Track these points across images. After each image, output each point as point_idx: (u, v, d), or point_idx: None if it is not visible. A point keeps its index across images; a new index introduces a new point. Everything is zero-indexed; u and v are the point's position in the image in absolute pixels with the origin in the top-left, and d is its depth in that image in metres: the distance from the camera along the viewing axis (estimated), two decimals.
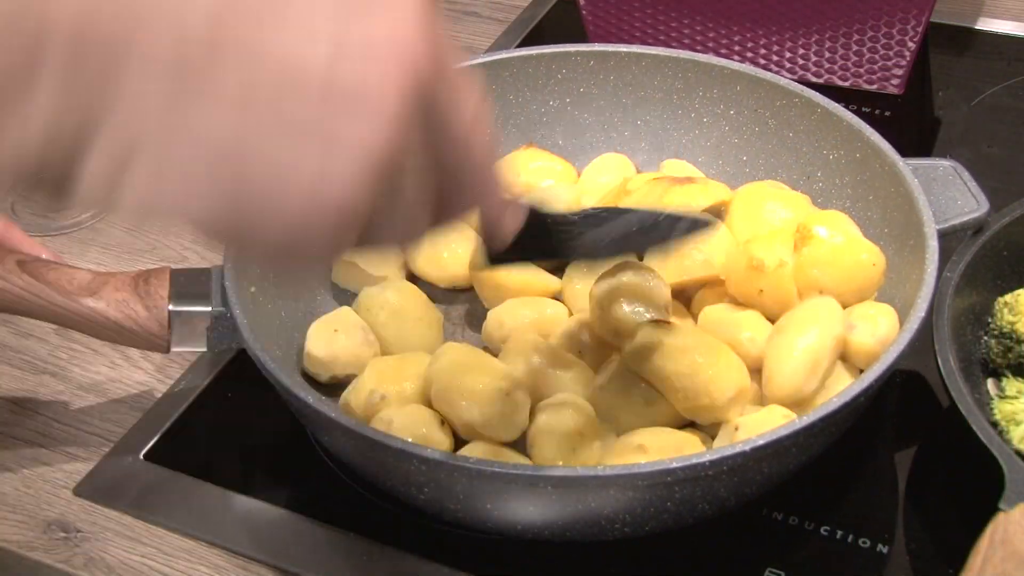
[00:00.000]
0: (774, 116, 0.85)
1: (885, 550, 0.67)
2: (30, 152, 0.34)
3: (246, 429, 0.77)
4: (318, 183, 0.37)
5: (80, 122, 0.34)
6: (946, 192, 0.75)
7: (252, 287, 0.71)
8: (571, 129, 0.91)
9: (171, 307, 0.70)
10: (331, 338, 0.74)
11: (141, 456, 0.74)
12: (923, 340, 0.66)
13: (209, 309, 0.70)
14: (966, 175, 0.76)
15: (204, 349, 0.72)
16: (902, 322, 0.67)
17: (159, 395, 0.79)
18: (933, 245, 0.69)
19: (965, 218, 0.73)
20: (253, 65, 0.35)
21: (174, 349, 0.72)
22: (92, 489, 0.73)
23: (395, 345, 0.75)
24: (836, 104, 0.81)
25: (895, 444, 0.73)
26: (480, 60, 0.87)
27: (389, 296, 0.76)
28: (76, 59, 0.34)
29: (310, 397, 0.63)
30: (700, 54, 0.88)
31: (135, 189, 0.36)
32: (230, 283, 0.70)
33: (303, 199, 0.37)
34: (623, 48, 0.88)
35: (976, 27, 1.11)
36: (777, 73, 1.03)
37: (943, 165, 0.77)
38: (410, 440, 0.61)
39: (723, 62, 0.87)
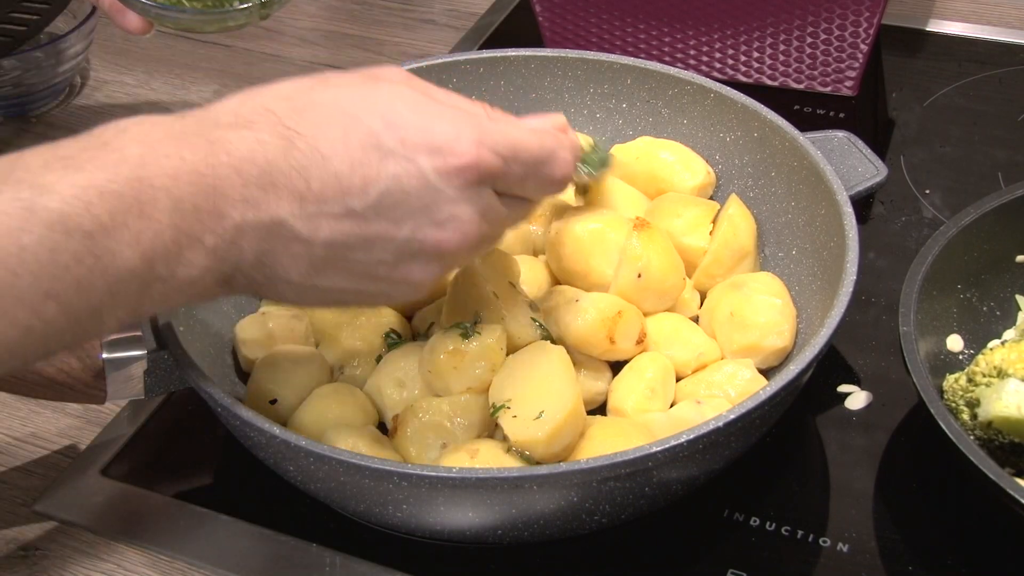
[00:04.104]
0: (667, 105, 0.87)
1: (845, 548, 0.67)
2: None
3: (205, 442, 0.77)
4: (403, 296, 0.61)
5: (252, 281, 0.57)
6: (845, 161, 0.79)
7: (180, 327, 0.69)
8: None
9: (104, 355, 0.67)
10: (261, 321, 0.75)
11: (99, 472, 0.74)
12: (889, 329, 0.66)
13: (144, 352, 0.68)
14: (860, 143, 0.80)
15: (142, 397, 0.69)
16: (834, 287, 0.69)
17: (117, 409, 0.78)
18: (848, 211, 0.72)
19: (868, 183, 0.78)
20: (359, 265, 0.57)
21: (110, 400, 0.69)
22: (51, 506, 0.72)
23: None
24: (729, 88, 0.83)
25: (860, 444, 0.74)
26: None
27: None
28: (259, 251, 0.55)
29: (276, 428, 0.62)
30: (587, 52, 0.89)
31: (273, 298, 0.60)
32: (165, 323, 0.68)
33: (380, 306, 0.67)
34: (511, 52, 0.89)
35: (927, 29, 1.12)
36: (732, 77, 1.05)
37: (838, 136, 0.80)
38: (388, 460, 0.61)
39: (612, 57, 0.88)
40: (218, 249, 0.53)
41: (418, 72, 0.87)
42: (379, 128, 0.55)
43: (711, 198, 0.85)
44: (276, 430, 0.61)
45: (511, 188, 0.60)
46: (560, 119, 0.64)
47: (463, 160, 0.56)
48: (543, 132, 0.61)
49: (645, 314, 0.75)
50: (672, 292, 0.76)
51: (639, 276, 0.74)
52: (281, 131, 0.54)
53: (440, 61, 0.88)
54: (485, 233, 0.59)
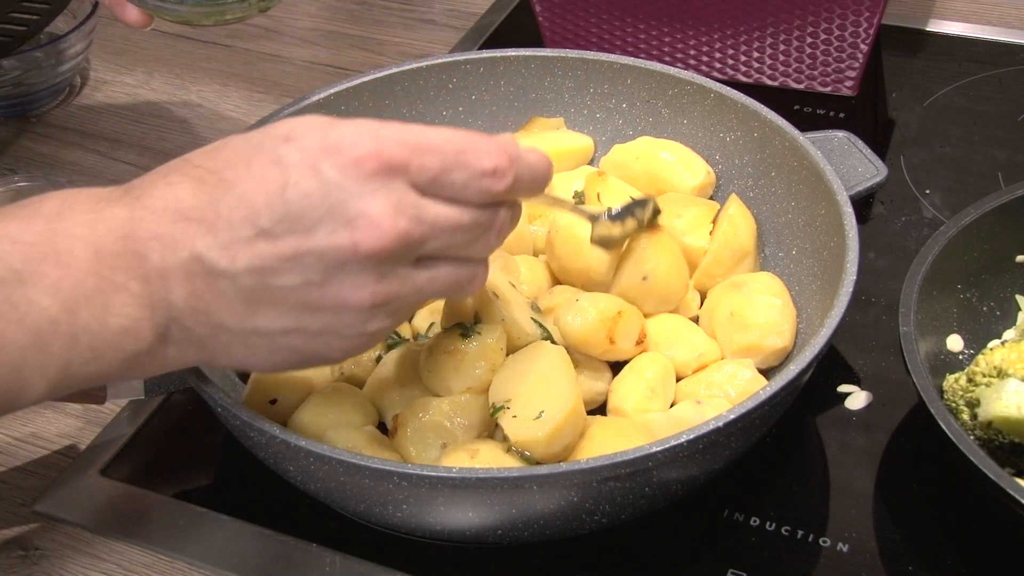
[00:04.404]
0: (667, 105, 0.87)
1: (845, 548, 0.67)
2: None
3: (205, 442, 0.77)
4: (347, 351, 0.58)
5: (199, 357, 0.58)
6: (845, 161, 0.79)
7: None
8: None
9: None
10: None
11: (99, 472, 0.74)
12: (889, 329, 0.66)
13: None
14: (860, 143, 0.80)
15: (141, 397, 0.70)
16: (834, 287, 0.69)
17: (117, 409, 0.78)
18: (848, 211, 0.72)
19: (868, 183, 0.78)
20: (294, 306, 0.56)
21: (110, 400, 0.70)
22: (51, 506, 0.72)
23: None
24: (729, 88, 0.83)
25: (860, 444, 0.74)
26: (370, 77, 0.87)
27: None
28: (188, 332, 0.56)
29: (276, 428, 0.62)
30: (587, 52, 0.89)
31: (226, 360, 0.58)
32: None
33: (337, 357, 0.59)
34: (511, 52, 0.89)
35: (927, 29, 1.12)
36: (732, 77, 1.05)
37: (838, 136, 0.81)
38: (389, 460, 0.61)
39: (612, 57, 0.88)
40: (146, 295, 0.53)
41: (418, 72, 0.88)
42: (279, 146, 0.54)
43: (711, 198, 0.85)
44: (276, 430, 0.61)
45: (436, 186, 0.55)
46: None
47: (359, 151, 0.54)
48: (468, 131, 0.58)
49: (646, 315, 0.75)
50: (675, 297, 0.76)
51: (644, 279, 0.74)
52: (191, 171, 0.55)
53: (440, 61, 0.88)
54: (406, 230, 0.54)
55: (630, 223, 0.74)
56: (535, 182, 0.59)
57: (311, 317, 0.55)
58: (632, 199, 0.76)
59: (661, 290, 0.75)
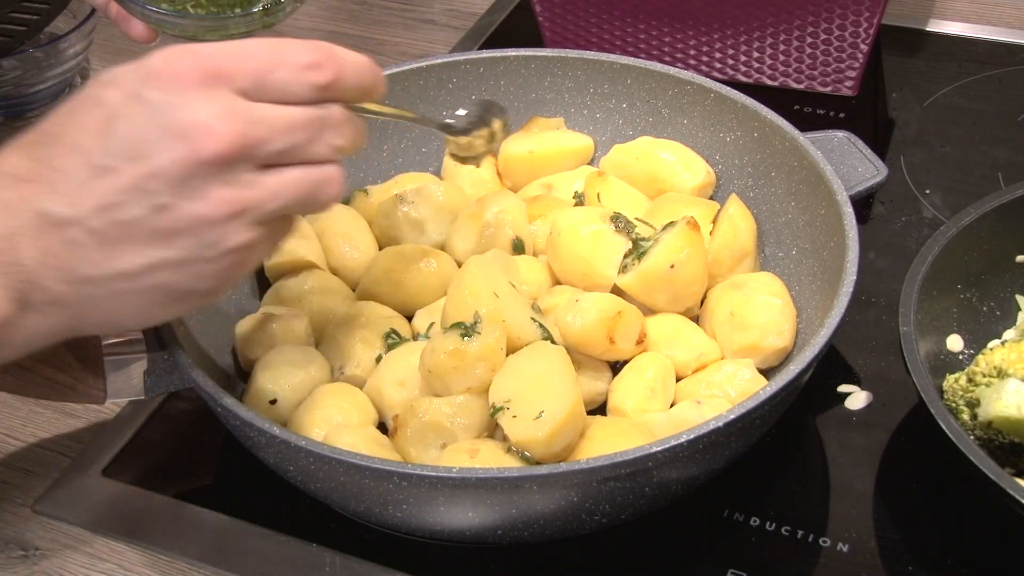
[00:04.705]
0: (667, 105, 0.87)
1: (845, 548, 0.67)
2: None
3: (205, 442, 0.77)
4: (223, 277, 0.57)
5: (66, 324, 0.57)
6: (846, 161, 0.79)
7: (180, 327, 0.69)
8: None
9: (105, 355, 0.68)
10: (261, 321, 0.75)
11: (100, 472, 0.74)
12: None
13: (144, 352, 0.68)
14: (860, 143, 0.80)
15: (142, 397, 0.70)
16: (834, 287, 0.69)
17: (117, 409, 0.78)
18: (848, 211, 0.72)
19: (868, 183, 0.78)
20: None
21: (110, 400, 0.70)
22: (51, 506, 0.72)
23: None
24: (729, 88, 0.83)
25: (860, 444, 0.74)
26: None
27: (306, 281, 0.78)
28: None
29: (276, 428, 0.62)
30: (587, 52, 0.89)
31: (97, 317, 0.56)
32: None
33: (210, 285, 0.57)
34: (511, 52, 0.89)
35: (927, 29, 1.12)
36: (732, 77, 1.05)
37: (838, 136, 0.81)
38: (389, 460, 0.61)
39: (612, 57, 0.88)
40: None
41: (418, 72, 0.88)
42: (99, 90, 0.55)
43: (711, 198, 0.85)
44: (276, 430, 0.61)
45: (261, 88, 0.55)
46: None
47: (178, 68, 0.54)
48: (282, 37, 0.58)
49: (654, 311, 0.75)
50: (690, 296, 0.76)
51: (672, 267, 0.74)
52: (21, 142, 0.55)
53: (440, 61, 0.88)
54: (241, 131, 0.54)
55: (484, 133, 0.73)
56: (361, 79, 0.59)
57: (169, 245, 0.54)
58: (479, 105, 0.74)
59: (683, 283, 0.74)
